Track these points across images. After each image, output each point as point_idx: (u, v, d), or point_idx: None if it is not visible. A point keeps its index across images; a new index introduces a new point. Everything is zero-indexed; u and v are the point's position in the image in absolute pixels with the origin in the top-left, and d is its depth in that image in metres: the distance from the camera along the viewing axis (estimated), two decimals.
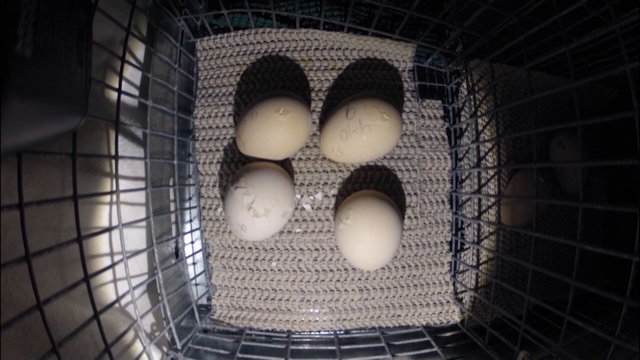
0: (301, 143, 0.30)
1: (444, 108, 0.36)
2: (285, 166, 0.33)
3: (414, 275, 0.35)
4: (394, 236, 0.28)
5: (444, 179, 0.35)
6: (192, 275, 0.35)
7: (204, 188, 0.35)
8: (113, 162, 0.24)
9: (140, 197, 0.30)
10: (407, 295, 0.34)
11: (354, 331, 0.35)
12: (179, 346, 0.29)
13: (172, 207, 0.33)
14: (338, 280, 0.34)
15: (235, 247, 0.34)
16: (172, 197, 0.33)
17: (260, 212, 0.27)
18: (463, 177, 0.36)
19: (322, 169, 0.34)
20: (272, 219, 0.28)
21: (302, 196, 0.34)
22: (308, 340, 0.34)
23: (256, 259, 0.34)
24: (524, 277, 0.36)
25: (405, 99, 0.35)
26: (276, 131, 0.28)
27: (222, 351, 0.32)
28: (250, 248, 0.34)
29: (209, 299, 0.35)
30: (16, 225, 0.16)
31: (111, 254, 0.27)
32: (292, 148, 0.30)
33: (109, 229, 0.24)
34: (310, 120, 0.30)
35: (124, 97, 0.25)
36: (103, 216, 0.27)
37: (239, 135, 0.29)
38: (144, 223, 0.30)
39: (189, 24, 0.34)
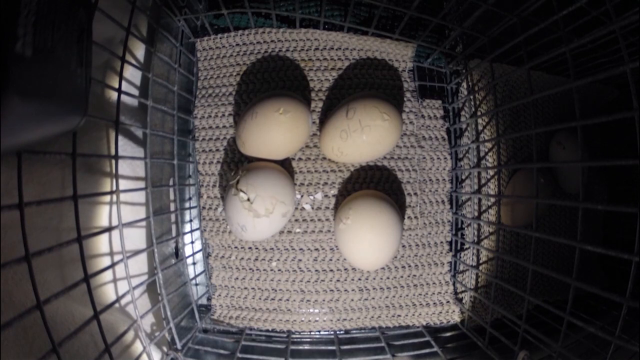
0: (301, 143, 0.30)
1: (444, 108, 0.36)
2: (285, 166, 0.33)
3: (414, 275, 0.35)
4: (394, 236, 0.28)
5: (444, 179, 0.35)
6: (192, 275, 0.35)
7: (204, 188, 0.35)
8: (113, 162, 0.24)
9: (140, 197, 0.30)
10: (407, 295, 0.34)
11: (354, 331, 0.35)
12: (179, 346, 0.29)
13: (172, 207, 0.33)
14: (338, 280, 0.34)
15: (235, 247, 0.34)
16: (172, 197, 0.33)
17: (261, 212, 0.27)
18: (463, 177, 0.36)
19: (322, 169, 0.34)
20: (273, 219, 0.28)
21: (302, 196, 0.34)
22: (308, 340, 0.34)
23: (256, 259, 0.34)
24: (524, 277, 0.36)
25: (405, 99, 0.35)
26: (276, 131, 0.28)
27: (222, 351, 0.32)
28: (250, 248, 0.34)
29: (209, 299, 0.35)
30: (16, 225, 0.16)
31: (111, 254, 0.27)
32: (292, 148, 0.30)
33: (109, 229, 0.24)
34: (310, 120, 0.30)
35: (124, 97, 0.25)
36: (103, 216, 0.27)
37: (239, 135, 0.29)
38: (144, 223, 0.30)
39: (189, 24, 0.34)
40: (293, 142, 0.29)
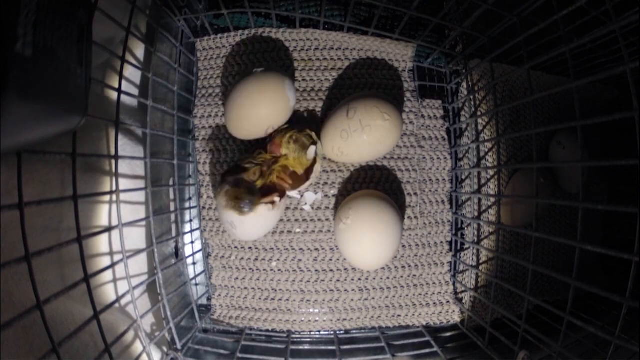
0: (282, 111, 0.30)
1: (444, 108, 0.36)
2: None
3: (414, 275, 0.35)
4: (394, 236, 0.28)
5: (444, 179, 0.35)
6: (192, 275, 0.35)
7: (204, 188, 0.35)
8: (113, 162, 0.24)
9: (140, 197, 0.30)
10: (407, 295, 0.34)
11: (354, 331, 0.35)
12: (179, 346, 0.29)
13: (172, 207, 0.33)
14: (338, 280, 0.34)
15: (235, 247, 0.34)
16: (172, 197, 0.33)
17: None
18: (463, 177, 0.36)
19: (322, 169, 0.34)
20: (260, 217, 0.27)
21: (301, 196, 0.34)
22: (308, 340, 0.34)
23: (256, 259, 0.34)
24: (524, 277, 0.36)
25: (405, 99, 0.35)
26: (258, 100, 0.28)
27: (222, 351, 0.32)
28: (250, 248, 0.34)
29: (209, 299, 0.35)
30: (16, 225, 0.16)
31: (111, 254, 0.27)
32: (273, 119, 0.30)
33: (109, 229, 0.24)
34: (291, 88, 0.29)
35: (124, 97, 0.25)
36: (103, 216, 0.27)
37: (226, 115, 0.30)
38: (144, 223, 0.30)
39: (189, 24, 0.34)
40: (274, 110, 0.29)
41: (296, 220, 0.34)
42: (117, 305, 0.25)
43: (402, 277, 0.34)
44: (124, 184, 0.28)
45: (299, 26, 0.34)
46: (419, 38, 0.34)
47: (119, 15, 0.23)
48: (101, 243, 0.27)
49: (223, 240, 0.34)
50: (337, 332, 0.34)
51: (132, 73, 0.29)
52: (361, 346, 0.32)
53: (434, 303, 0.35)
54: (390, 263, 0.34)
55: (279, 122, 0.30)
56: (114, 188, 0.24)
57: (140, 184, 0.30)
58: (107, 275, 0.26)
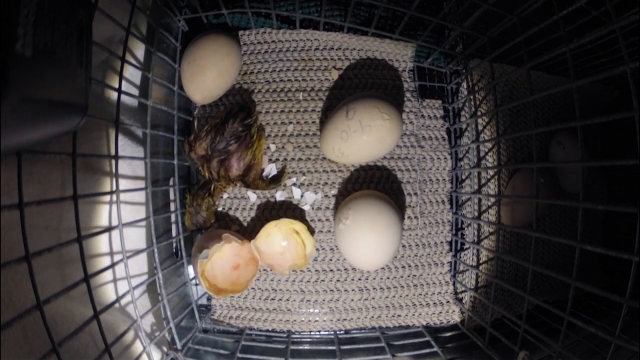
0: (234, 69, 0.32)
1: (444, 108, 0.36)
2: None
3: (414, 275, 0.35)
4: (394, 236, 0.28)
5: (444, 179, 0.35)
6: (192, 275, 0.35)
7: None
8: (113, 162, 0.25)
9: (140, 197, 0.30)
10: (407, 295, 0.34)
11: (354, 331, 0.35)
12: (179, 346, 0.29)
13: (172, 207, 0.33)
14: (338, 280, 0.34)
15: None
16: (172, 197, 0.33)
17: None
18: (463, 177, 0.36)
19: (322, 169, 0.34)
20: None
21: (302, 196, 0.34)
22: (308, 340, 0.34)
23: None
24: (524, 277, 0.36)
25: (405, 99, 0.35)
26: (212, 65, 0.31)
27: (222, 351, 0.32)
28: None
29: (209, 299, 0.35)
30: (16, 225, 0.16)
31: (111, 254, 0.27)
32: (228, 77, 0.32)
33: (109, 229, 0.24)
34: (238, 46, 0.32)
35: (124, 97, 0.25)
36: (103, 216, 0.27)
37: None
38: (144, 223, 0.30)
39: (189, 23, 0.34)
40: (229, 70, 0.32)
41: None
42: (117, 305, 0.25)
43: (402, 277, 0.34)
44: (124, 184, 0.28)
45: (299, 26, 0.34)
46: (418, 38, 0.34)
47: (119, 15, 0.23)
48: (101, 243, 0.27)
49: None
50: (337, 332, 0.34)
51: (132, 73, 0.29)
52: (361, 346, 0.32)
53: (434, 303, 0.35)
54: (390, 263, 0.34)
55: (232, 78, 0.33)
56: (114, 188, 0.24)
57: (141, 184, 0.30)
58: (107, 275, 0.26)
